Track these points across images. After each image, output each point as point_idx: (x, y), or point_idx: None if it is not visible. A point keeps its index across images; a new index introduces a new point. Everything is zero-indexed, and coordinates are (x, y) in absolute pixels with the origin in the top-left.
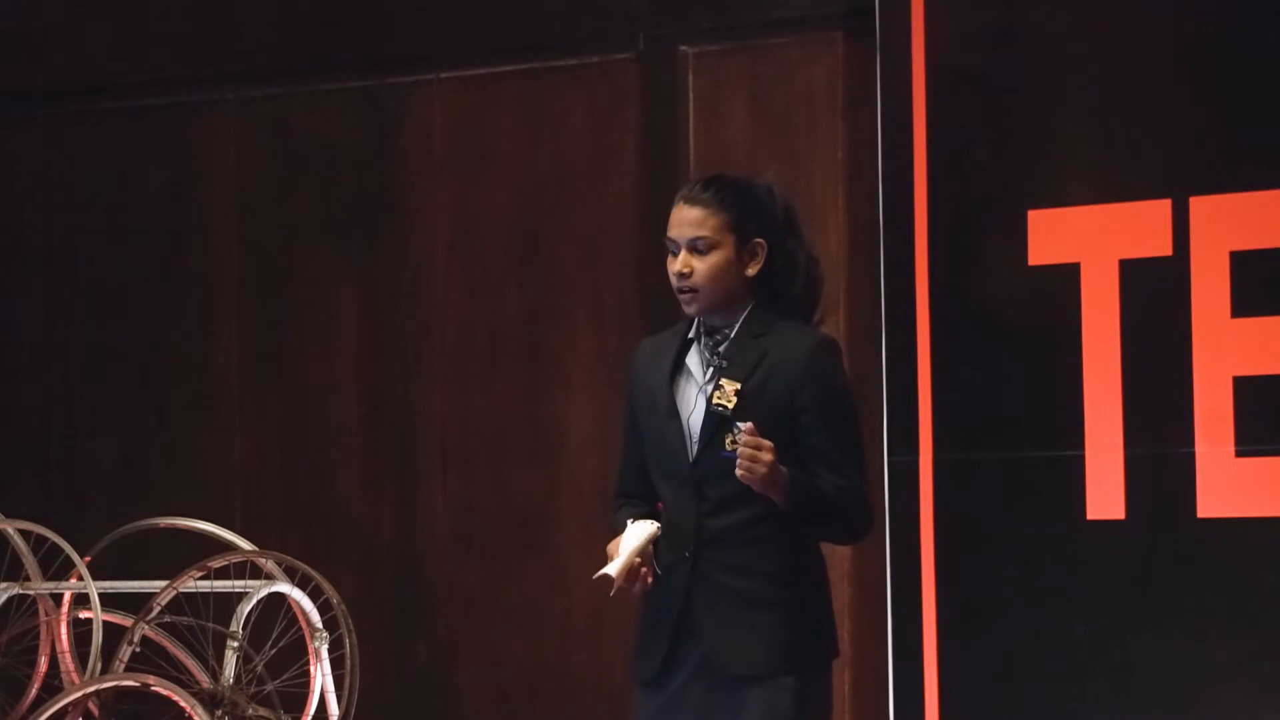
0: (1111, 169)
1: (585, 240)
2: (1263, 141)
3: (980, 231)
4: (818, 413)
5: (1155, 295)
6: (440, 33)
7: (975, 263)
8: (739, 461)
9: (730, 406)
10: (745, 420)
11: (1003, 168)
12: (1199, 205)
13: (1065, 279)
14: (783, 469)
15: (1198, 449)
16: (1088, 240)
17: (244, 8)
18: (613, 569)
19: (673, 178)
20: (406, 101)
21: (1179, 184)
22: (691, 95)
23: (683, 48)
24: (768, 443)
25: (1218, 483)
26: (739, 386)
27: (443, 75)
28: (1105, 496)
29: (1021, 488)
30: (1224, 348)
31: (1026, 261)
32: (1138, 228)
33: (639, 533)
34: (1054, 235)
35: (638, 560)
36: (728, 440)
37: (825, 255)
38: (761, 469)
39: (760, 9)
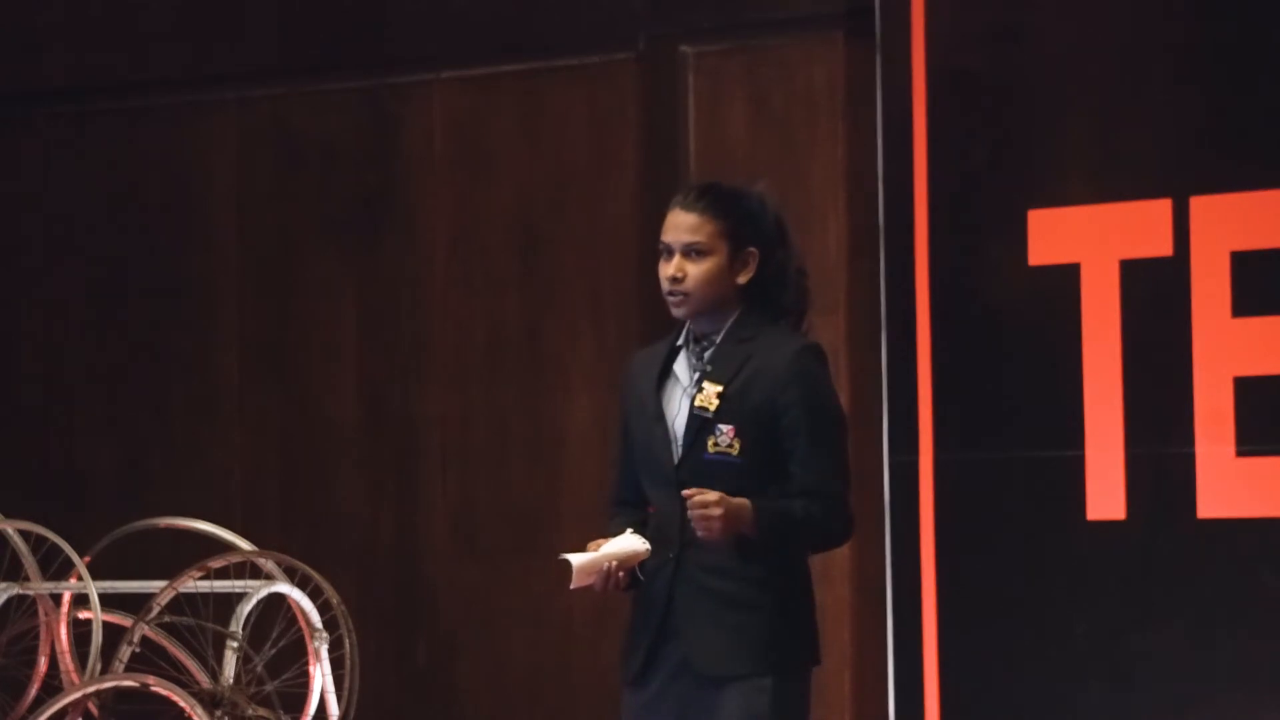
0: (1111, 169)
1: (585, 240)
2: (1263, 141)
3: (980, 231)
4: (799, 415)
5: (1155, 295)
6: (440, 33)
7: (975, 263)
8: (698, 526)
9: (712, 409)
10: (727, 423)
11: (1003, 168)
12: (1199, 205)
13: (1065, 279)
14: (742, 501)
15: (1198, 449)
16: (1088, 240)
17: (244, 8)
18: (575, 557)
19: (673, 178)
20: (406, 101)
21: (1179, 184)
22: (691, 95)
23: (683, 48)
24: (712, 494)
25: (1218, 483)
26: (721, 389)
27: (443, 75)
28: (1105, 496)
29: (1021, 488)
30: (1224, 348)
31: (1026, 261)
32: (1138, 228)
33: (626, 543)
34: (1054, 235)
35: (614, 565)
36: (710, 443)
37: (825, 255)
38: (717, 523)
39: (760, 9)
